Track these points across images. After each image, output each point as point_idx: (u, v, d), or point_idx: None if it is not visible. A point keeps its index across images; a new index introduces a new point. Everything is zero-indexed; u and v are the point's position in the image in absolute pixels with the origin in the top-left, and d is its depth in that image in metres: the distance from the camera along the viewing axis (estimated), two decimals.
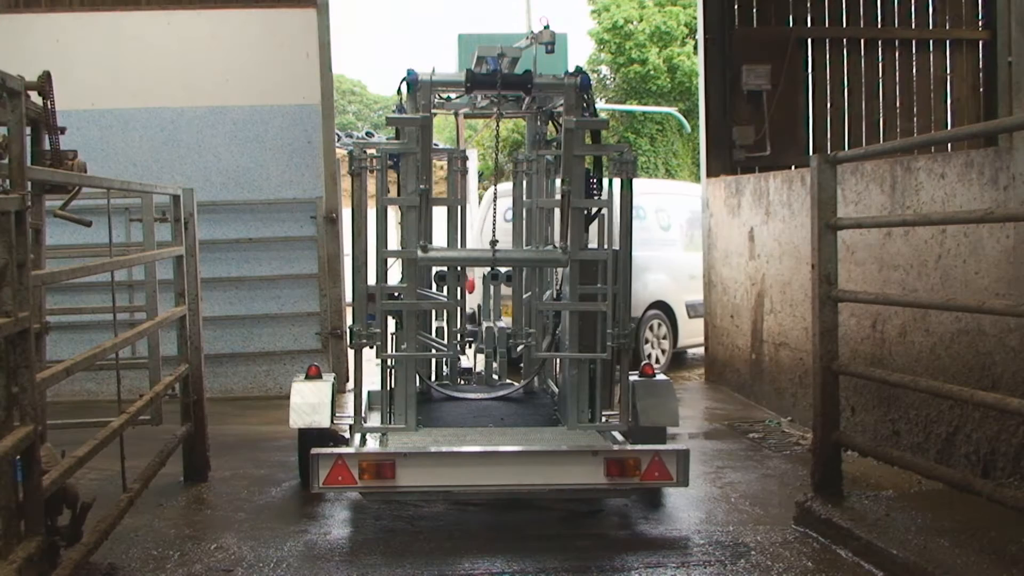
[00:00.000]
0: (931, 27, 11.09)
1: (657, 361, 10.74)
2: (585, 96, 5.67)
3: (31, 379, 3.61)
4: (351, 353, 5.75)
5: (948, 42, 11.16)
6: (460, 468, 5.28)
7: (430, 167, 5.66)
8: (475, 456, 5.30)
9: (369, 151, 5.68)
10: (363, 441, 5.65)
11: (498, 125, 6.16)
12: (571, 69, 5.81)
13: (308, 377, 6.11)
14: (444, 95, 6.35)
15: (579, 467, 5.28)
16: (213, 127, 9.76)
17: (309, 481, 5.35)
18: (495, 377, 6.93)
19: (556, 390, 6.59)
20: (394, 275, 6.09)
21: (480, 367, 7.05)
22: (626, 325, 5.67)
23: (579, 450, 5.33)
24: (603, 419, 5.88)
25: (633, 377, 5.98)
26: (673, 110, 27.29)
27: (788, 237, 8.25)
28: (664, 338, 11.07)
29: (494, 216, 6.13)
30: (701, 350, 10.95)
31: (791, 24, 10.75)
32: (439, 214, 6.63)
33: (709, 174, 10.49)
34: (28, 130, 4.13)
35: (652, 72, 27.99)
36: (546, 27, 5.63)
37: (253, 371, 9.83)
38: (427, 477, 5.21)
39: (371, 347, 5.65)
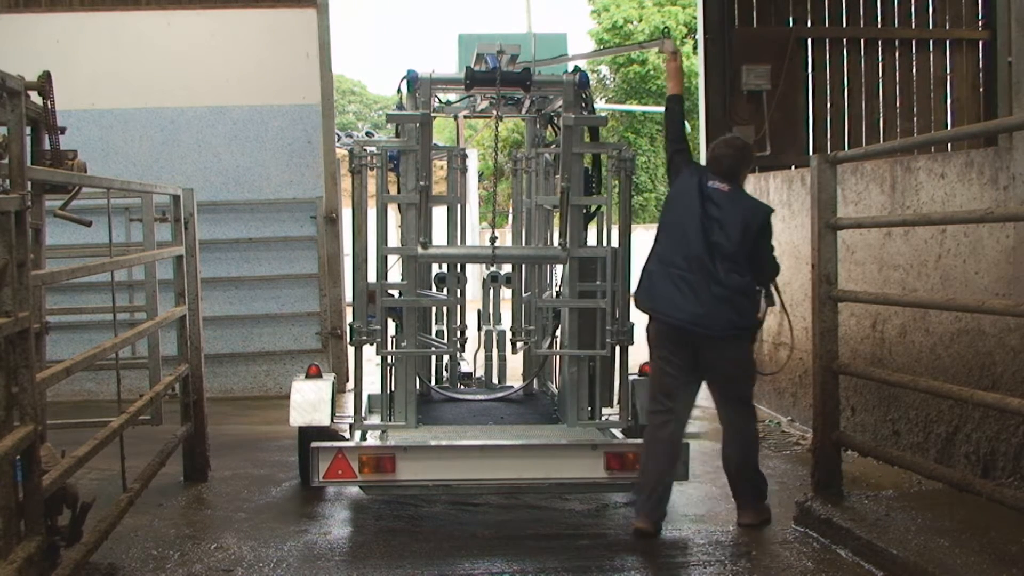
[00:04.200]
0: (931, 27, 11.06)
1: None
2: (584, 93, 5.69)
3: (31, 379, 3.61)
4: (351, 351, 5.75)
5: (948, 42, 11.13)
6: (460, 462, 5.26)
7: (430, 164, 5.67)
8: (475, 450, 5.28)
9: (369, 148, 5.70)
10: (363, 437, 5.65)
11: (497, 126, 6.17)
12: (569, 69, 5.84)
13: (308, 376, 6.11)
14: (444, 99, 6.36)
15: (579, 461, 5.27)
16: (213, 127, 9.75)
17: (309, 476, 5.34)
18: (495, 382, 6.93)
19: (556, 392, 6.59)
20: (394, 277, 6.10)
21: (480, 372, 7.06)
22: (625, 323, 5.68)
23: (579, 443, 5.33)
24: (603, 417, 5.88)
25: (633, 375, 5.98)
26: None
27: (788, 237, 8.24)
28: None
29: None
30: None
31: (791, 24, 10.73)
32: (439, 215, 6.63)
33: None
34: (28, 130, 4.14)
35: (652, 72, 28.00)
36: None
37: (253, 371, 9.83)
38: (427, 471, 5.20)
39: (371, 343, 5.65)
